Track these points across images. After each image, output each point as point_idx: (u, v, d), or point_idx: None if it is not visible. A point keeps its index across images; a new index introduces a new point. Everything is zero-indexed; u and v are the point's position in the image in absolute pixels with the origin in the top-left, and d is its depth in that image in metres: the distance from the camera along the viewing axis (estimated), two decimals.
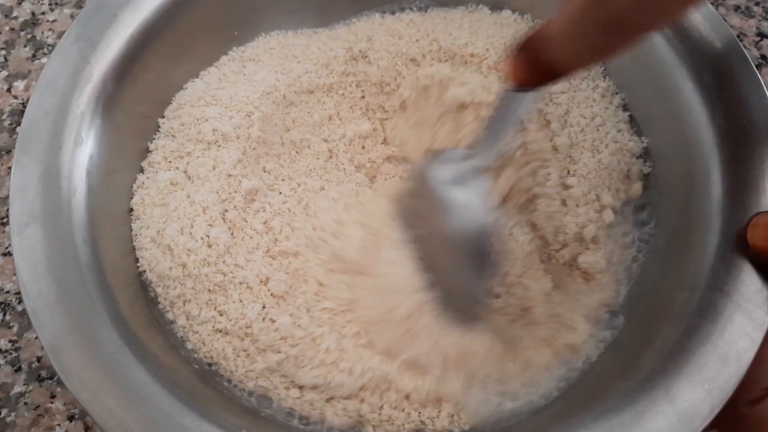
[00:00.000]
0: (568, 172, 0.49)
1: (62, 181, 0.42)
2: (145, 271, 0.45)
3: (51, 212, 0.41)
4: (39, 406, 0.48)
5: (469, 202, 0.43)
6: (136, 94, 0.48)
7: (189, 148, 0.49)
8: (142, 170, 0.48)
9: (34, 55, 0.63)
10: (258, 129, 0.50)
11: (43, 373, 0.49)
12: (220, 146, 0.49)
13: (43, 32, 0.65)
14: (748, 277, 0.40)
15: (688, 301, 0.41)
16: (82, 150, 0.44)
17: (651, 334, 0.42)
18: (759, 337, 0.38)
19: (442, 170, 0.44)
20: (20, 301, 0.52)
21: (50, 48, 0.63)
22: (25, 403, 0.48)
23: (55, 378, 0.49)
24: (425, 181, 0.45)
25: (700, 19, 0.47)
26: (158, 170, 0.48)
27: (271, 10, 0.55)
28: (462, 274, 0.44)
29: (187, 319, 0.44)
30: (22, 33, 0.64)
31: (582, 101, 0.51)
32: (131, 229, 0.46)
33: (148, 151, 0.49)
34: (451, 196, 0.43)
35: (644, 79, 0.50)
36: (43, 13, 0.66)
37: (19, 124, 0.59)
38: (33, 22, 0.65)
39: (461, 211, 0.43)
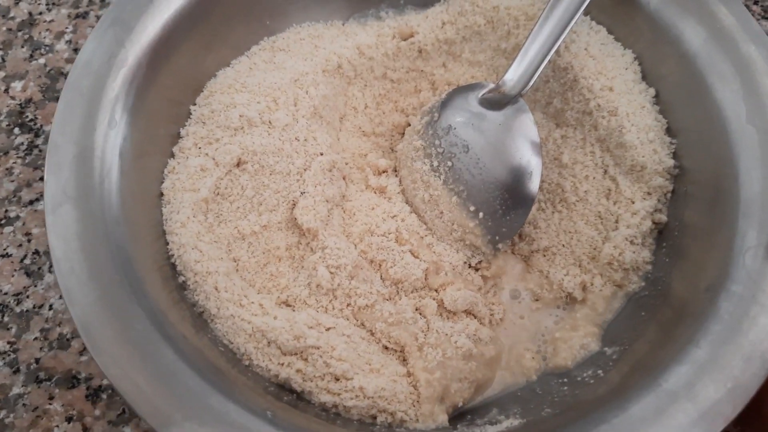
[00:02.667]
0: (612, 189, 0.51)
1: (95, 162, 0.43)
2: (174, 255, 0.45)
3: (84, 192, 0.42)
4: (37, 407, 0.48)
5: (505, 121, 0.50)
6: (169, 79, 0.49)
7: (218, 135, 0.49)
8: (173, 155, 0.49)
9: (31, 56, 0.63)
10: (284, 113, 0.50)
11: (42, 375, 0.49)
12: (245, 132, 0.49)
13: (40, 32, 0.64)
14: None
15: (711, 300, 0.41)
16: (116, 132, 0.45)
17: (674, 331, 0.42)
18: None
19: (474, 97, 0.51)
20: (18, 302, 0.52)
21: (47, 48, 0.63)
22: (24, 405, 0.48)
23: (54, 379, 0.49)
24: (456, 106, 0.51)
25: (734, 21, 0.47)
26: (188, 156, 0.49)
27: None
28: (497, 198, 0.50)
29: (212, 312, 0.45)
30: (20, 33, 0.64)
31: (638, 110, 0.50)
32: (162, 213, 0.47)
33: (179, 136, 0.50)
34: (489, 117, 0.50)
35: (678, 82, 0.50)
36: (40, 14, 0.65)
37: (16, 125, 0.59)
38: (30, 22, 0.65)
39: (500, 129, 0.50)
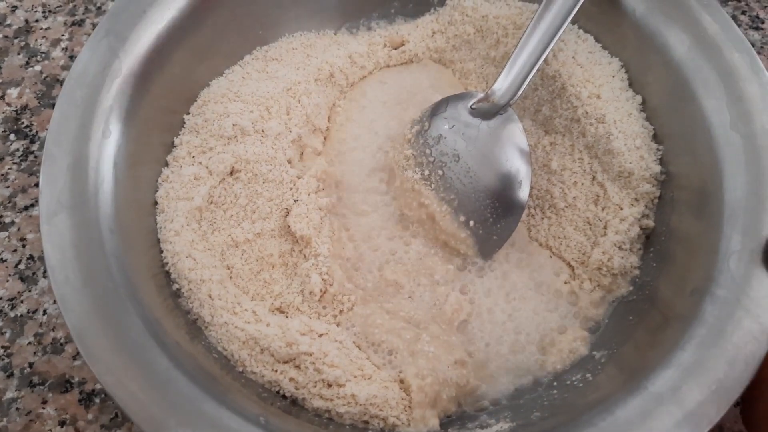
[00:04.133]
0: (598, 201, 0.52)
1: (90, 172, 0.44)
2: (168, 263, 0.46)
3: (79, 201, 0.43)
4: (30, 411, 0.48)
5: (495, 131, 0.50)
6: (163, 89, 0.49)
7: (211, 144, 0.50)
8: (167, 164, 0.50)
9: (27, 63, 0.63)
10: (276, 122, 0.51)
11: (35, 379, 0.50)
12: (239, 141, 0.50)
13: (36, 40, 0.64)
14: (758, 283, 0.41)
15: (697, 304, 0.42)
16: (110, 142, 0.45)
17: (660, 335, 0.43)
18: (766, 342, 0.39)
19: (464, 107, 0.51)
20: (13, 307, 0.52)
21: (44, 55, 0.63)
22: (17, 409, 0.49)
23: (47, 383, 0.49)
24: (446, 115, 0.51)
25: (717, 29, 0.48)
26: (182, 165, 0.49)
27: (294, 8, 0.56)
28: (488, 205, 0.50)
29: (205, 320, 0.45)
30: (16, 41, 0.64)
31: (625, 117, 0.51)
32: (156, 222, 0.47)
33: (173, 145, 0.50)
34: (479, 126, 0.50)
35: (664, 89, 0.51)
36: (36, 21, 0.66)
37: (12, 131, 0.60)
38: (26, 29, 0.65)
39: (490, 138, 0.50)
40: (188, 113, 0.52)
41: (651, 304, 0.46)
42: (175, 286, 0.45)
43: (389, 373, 0.45)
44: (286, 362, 0.44)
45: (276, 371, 0.43)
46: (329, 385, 0.43)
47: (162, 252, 0.46)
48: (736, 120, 0.45)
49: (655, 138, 0.51)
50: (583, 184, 0.52)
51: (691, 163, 0.48)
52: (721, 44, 0.48)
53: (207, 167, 0.49)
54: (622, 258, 0.49)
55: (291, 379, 0.43)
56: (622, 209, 0.50)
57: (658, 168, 0.50)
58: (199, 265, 0.45)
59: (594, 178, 0.51)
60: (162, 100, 0.49)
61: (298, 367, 0.43)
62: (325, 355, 0.44)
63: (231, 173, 0.50)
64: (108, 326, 0.39)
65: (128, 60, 0.47)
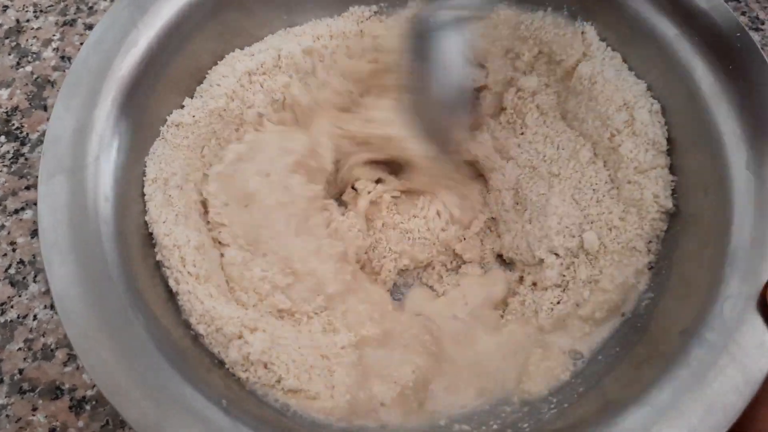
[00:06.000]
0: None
1: (93, 137, 0.44)
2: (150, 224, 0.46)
3: (79, 166, 0.43)
4: (21, 418, 0.49)
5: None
6: (179, 62, 0.50)
7: (206, 98, 0.51)
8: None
9: (18, 63, 0.63)
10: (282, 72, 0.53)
11: (25, 386, 0.50)
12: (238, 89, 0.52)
13: (27, 40, 0.64)
14: (749, 331, 0.39)
15: (684, 344, 0.40)
16: (118, 108, 0.45)
17: (642, 371, 0.41)
18: (748, 393, 0.37)
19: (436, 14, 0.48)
20: (2, 312, 0.52)
21: (35, 56, 0.63)
22: (7, 416, 0.49)
23: (37, 390, 0.49)
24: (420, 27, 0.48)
25: (748, 63, 0.46)
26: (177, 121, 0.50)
27: None
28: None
29: (174, 288, 0.45)
30: (6, 41, 0.65)
31: None
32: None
33: None
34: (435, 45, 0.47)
35: (686, 119, 0.49)
36: (27, 21, 0.66)
37: (2, 133, 0.60)
38: (17, 29, 0.65)
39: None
40: (201, 84, 0.52)
41: (639, 338, 0.45)
42: (159, 257, 0.45)
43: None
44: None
45: (228, 357, 0.43)
46: (287, 392, 0.43)
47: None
48: (751, 159, 0.43)
49: (672, 169, 0.49)
50: None
51: (704, 200, 0.46)
52: (749, 79, 0.46)
53: (193, 116, 0.49)
54: None
55: (237, 374, 0.43)
56: None
57: (669, 200, 0.48)
58: (179, 228, 0.46)
59: None
60: (177, 73, 0.50)
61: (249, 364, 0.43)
62: (281, 362, 0.43)
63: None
64: (89, 292, 0.40)
65: (147, 31, 0.48)
